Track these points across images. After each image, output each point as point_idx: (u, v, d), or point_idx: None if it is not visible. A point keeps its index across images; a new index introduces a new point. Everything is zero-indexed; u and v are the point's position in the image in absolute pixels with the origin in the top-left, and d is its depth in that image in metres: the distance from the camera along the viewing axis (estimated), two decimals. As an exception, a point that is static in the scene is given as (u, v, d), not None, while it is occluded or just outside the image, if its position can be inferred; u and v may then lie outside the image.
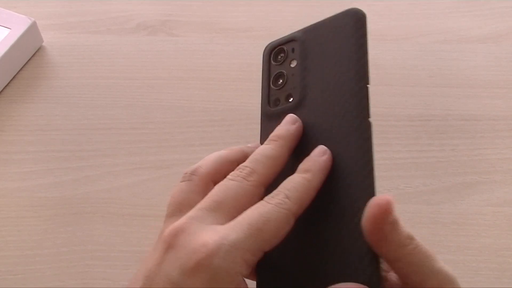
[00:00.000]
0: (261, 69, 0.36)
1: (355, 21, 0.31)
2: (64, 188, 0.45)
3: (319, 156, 0.28)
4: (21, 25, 0.52)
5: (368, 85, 0.29)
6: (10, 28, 0.52)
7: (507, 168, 0.45)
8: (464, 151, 0.46)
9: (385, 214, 0.24)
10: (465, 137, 0.47)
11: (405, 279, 0.26)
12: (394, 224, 0.25)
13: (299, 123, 0.30)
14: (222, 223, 0.26)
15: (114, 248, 0.41)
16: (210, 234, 0.25)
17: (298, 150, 0.30)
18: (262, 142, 0.32)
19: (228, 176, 0.28)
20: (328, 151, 0.28)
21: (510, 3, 0.58)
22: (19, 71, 0.53)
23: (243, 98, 0.50)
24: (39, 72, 0.53)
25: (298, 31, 0.34)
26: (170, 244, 0.26)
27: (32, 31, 0.53)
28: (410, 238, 0.26)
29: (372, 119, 0.27)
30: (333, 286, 0.25)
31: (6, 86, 0.51)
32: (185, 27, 0.56)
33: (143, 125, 0.48)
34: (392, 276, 0.29)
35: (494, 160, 0.45)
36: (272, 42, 0.36)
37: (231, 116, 0.49)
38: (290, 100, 0.32)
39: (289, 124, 0.30)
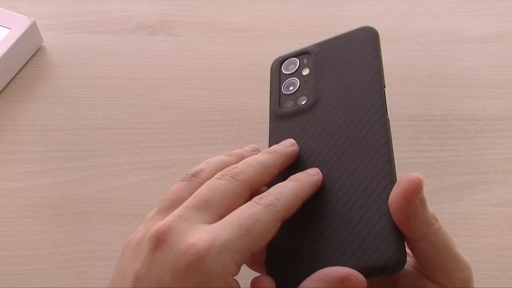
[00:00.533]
0: (269, 80, 0.36)
1: (370, 35, 0.33)
2: (64, 188, 0.45)
3: (312, 174, 0.29)
4: (21, 25, 0.52)
5: (384, 88, 0.31)
6: (10, 28, 0.52)
7: (507, 168, 0.45)
8: (464, 151, 0.46)
9: (417, 190, 0.25)
10: (465, 137, 0.47)
11: (424, 260, 0.27)
12: (423, 201, 0.25)
13: (296, 147, 0.31)
14: (210, 222, 0.26)
15: (114, 248, 0.41)
16: (198, 235, 0.25)
17: (313, 148, 0.31)
18: (270, 143, 0.33)
19: (216, 175, 0.28)
20: (321, 174, 0.29)
21: (510, 3, 0.58)
22: (19, 71, 0.53)
23: (243, 98, 0.50)
24: (39, 72, 0.53)
25: (310, 46, 0.36)
26: (157, 244, 0.25)
27: (32, 31, 0.53)
28: (435, 219, 0.26)
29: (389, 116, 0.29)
30: (328, 268, 0.25)
31: (6, 86, 0.51)
32: (185, 27, 0.56)
33: (143, 125, 0.48)
34: (407, 266, 0.29)
35: (494, 160, 0.45)
36: (281, 56, 0.37)
37: (231, 116, 0.49)
38: (303, 103, 0.33)
39: (287, 145, 0.31)
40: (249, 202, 0.27)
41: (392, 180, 0.27)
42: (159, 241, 0.25)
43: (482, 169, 0.45)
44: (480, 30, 0.55)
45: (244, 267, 0.27)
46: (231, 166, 0.29)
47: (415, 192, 0.25)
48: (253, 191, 0.28)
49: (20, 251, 0.41)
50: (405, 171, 0.45)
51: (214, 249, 0.24)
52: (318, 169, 0.29)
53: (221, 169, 0.29)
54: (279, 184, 0.28)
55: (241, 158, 0.31)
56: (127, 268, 0.26)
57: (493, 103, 0.49)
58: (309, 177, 0.29)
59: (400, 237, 0.25)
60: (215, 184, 0.27)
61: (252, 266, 0.30)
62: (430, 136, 0.47)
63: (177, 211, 0.26)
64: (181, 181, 0.29)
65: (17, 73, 0.52)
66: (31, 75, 0.52)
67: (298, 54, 0.36)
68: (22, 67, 0.53)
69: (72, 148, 0.47)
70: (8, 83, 0.52)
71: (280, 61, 0.36)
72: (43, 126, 0.49)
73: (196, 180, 0.29)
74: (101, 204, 0.43)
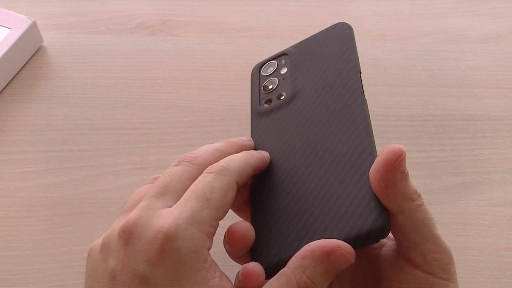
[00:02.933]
0: (250, 86, 0.36)
1: (344, 29, 0.34)
2: (64, 188, 0.44)
3: (262, 152, 0.31)
4: (21, 25, 0.52)
5: (360, 73, 0.31)
6: (10, 28, 0.52)
7: (507, 168, 0.45)
8: (464, 151, 0.46)
9: (398, 161, 0.24)
10: (465, 137, 0.47)
11: (401, 236, 0.26)
12: (404, 174, 0.25)
13: (251, 143, 0.32)
14: (171, 205, 0.26)
15: (114, 248, 0.41)
16: (163, 218, 0.25)
17: (294, 135, 0.31)
18: (253, 141, 0.33)
19: (173, 164, 0.29)
20: (268, 156, 0.31)
21: (510, 3, 0.58)
22: (19, 71, 0.53)
23: (243, 98, 0.50)
24: (39, 72, 0.53)
25: (287, 48, 0.37)
26: (127, 239, 0.25)
27: (32, 31, 0.53)
28: (418, 195, 0.26)
29: (366, 97, 0.30)
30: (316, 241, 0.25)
31: (6, 86, 0.51)
32: (185, 27, 0.56)
33: (143, 125, 0.48)
34: (386, 249, 0.29)
35: (494, 160, 0.45)
36: (259, 61, 0.38)
37: (231, 116, 0.49)
38: (282, 98, 0.33)
39: (243, 139, 0.32)
40: (201, 175, 0.27)
41: (372, 152, 0.27)
42: (128, 235, 0.25)
43: (482, 169, 0.45)
44: (480, 30, 0.55)
45: (233, 264, 0.27)
46: (187, 153, 0.29)
47: (395, 163, 0.24)
48: None
49: (20, 251, 0.41)
50: (405, 171, 0.45)
51: (181, 227, 0.24)
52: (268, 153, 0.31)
53: (217, 157, 0.30)
54: (229, 156, 0.29)
55: (237, 145, 0.32)
56: (99, 270, 0.26)
57: (493, 103, 0.49)
58: (261, 154, 0.30)
59: (381, 205, 0.25)
60: (172, 171, 0.28)
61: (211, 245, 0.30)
62: (430, 136, 0.47)
63: (141, 204, 0.27)
64: (175, 166, 0.29)
65: (17, 73, 0.52)
66: (31, 75, 0.52)
67: (276, 57, 0.37)
68: (22, 67, 0.53)
69: (72, 148, 0.47)
70: (8, 83, 0.52)
71: (259, 66, 0.37)
72: (43, 126, 0.49)
73: (192, 166, 0.30)
74: (101, 204, 0.43)
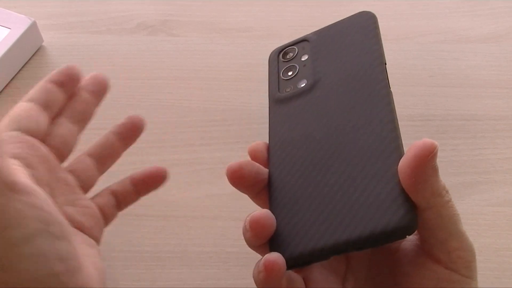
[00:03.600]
0: (267, 71, 0.35)
1: (368, 18, 0.33)
2: (64, 188, 0.44)
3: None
4: (21, 25, 0.52)
5: (385, 64, 0.30)
6: (10, 28, 0.52)
7: (507, 168, 0.45)
8: (465, 151, 0.46)
9: (431, 156, 0.24)
10: (465, 137, 0.47)
11: (427, 232, 0.26)
12: (435, 169, 0.24)
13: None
14: None
15: (114, 248, 0.41)
16: None
17: (315, 125, 0.30)
18: (270, 129, 0.32)
19: None
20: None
21: (510, 3, 0.58)
22: (19, 71, 0.53)
23: (243, 98, 0.50)
24: (39, 72, 0.53)
25: (308, 34, 0.35)
26: None
27: (32, 31, 0.53)
28: (446, 191, 0.25)
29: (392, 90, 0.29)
30: None
31: (6, 86, 0.51)
32: (185, 27, 0.56)
33: (143, 125, 0.48)
34: (406, 244, 0.28)
35: (494, 160, 0.45)
36: (278, 46, 0.36)
37: (231, 116, 0.49)
38: (303, 85, 0.32)
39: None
40: None
41: (398, 146, 0.26)
42: None
43: (482, 169, 0.45)
44: (480, 30, 0.55)
45: (246, 265, 0.27)
46: None
47: (427, 158, 0.24)
48: None
49: (20, 251, 0.41)
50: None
51: None
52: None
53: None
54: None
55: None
56: None
57: (493, 103, 0.49)
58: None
59: (409, 200, 0.24)
60: None
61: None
62: (430, 136, 0.46)
63: None
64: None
65: (17, 73, 0.52)
66: (31, 75, 0.52)
67: (296, 43, 0.35)
68: (22, 67, 0.53)
69: (72, 148, 0.47)
70: (8, 83, 0.51)
71: (278, 51, 0.36)
72: (43, 126, 0.49)
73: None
74: (101, 204, 0.43)
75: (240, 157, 0.32)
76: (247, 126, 0.48)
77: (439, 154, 0.24)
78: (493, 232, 0.41)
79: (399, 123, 0.28)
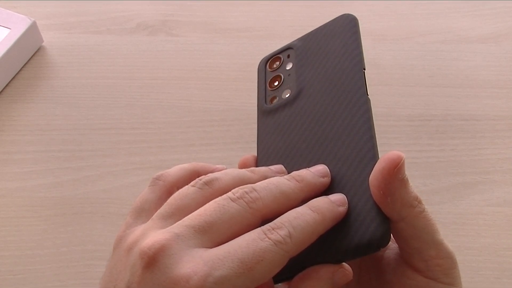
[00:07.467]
0: (257, 81, 0.36)
1: (349, 21, 0.33)
2: (64, 188, 0.44)
3: (337, 203, 0.25)
4: (21, 25, 0.52)
5: (364, 70, 0.30)
6: (10, 28, 0.52)
7: (507, 168, 0.45)
8: (464, 151, 0.46)
9: (396, 169, 0.24)
10: (465, 137, 0.47)
11: (403, 243, 0.26)
12: (403, 181, 0.24)
13: (328, 178, 0.27)
14: (208, 247, 0.23)
15: (114, 248, 0.41)
16: (193, 264, 0.22)
17: (298, 137, 0.30)
18: (258, 140, 0.32)
19: (230, 194, 0.25)
20: (346, 202, 0.25)
21: (510, 3, 0.58)
22: (19, 71, 0.53)
23: (243, 98, 0.50)
24: (39, 72, 0.53)
25: (293, 41, 0.36)
26: (148, 263, 0.23)
27: (32, 31, 0.53)
28: (418, 201, 0.25)
29: (370, 97, 0.29)
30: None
31: (6, 86, 0.51)
32: (185, 27, 0.56)
33: (143, 125, 0.48)
34: (389, 253, 0.28)
35: (494, 160, 0.45)
36: (266, 55, 0.37)
37: (231, 116, 0.49)
38: (287, 96, 0.33)
39: (319, 175, 0.27)
40: (258, 232, 0.23)
41: (374, 157, 0.26)
42: (151, 260, 0.23)
43: (482, 169, 0.45)
44: (480, 30, 0.55)
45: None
46: (249, 187, 0.25)
47: (393, 171, 0.24)
48: (265, 220, 0.25)
49: (20, 251, 0.41)
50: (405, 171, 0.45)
51: (208, 284, 0.22)
52: (344, 196, 0.26)
53: (239, 185, 0.25)
54: (295, 211, 0.24)
55: (264, 178, 0.27)
56: (118, 273, 0.25)
57: (493, 103, 0.49)
58: (332, 207, 0.25)
59: (380, 213, 0.24)
60: (225, 207, 0.24)
61: None
62: (430, 136, 0.47)
63: (175, 229, 0.24)
64: (192, 186, 0.26)
65: (17, 73, 0.52)
66: (31, 75, 0.52)
67: (282, 51, 0.36)
68: (22, 67, 0.53)
69: (72, 148, 0.47)
70: (8, 83, 0.52)
71: (265, 60, 0.36)
72: (43, 126, 0.49)
73: (209, 189, 0.26)
74: (101, 204, 0.43)
75: (240, 157, 0.32)
76: (247, 126, 0.48)
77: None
78: (493, 232, 0.41)
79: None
